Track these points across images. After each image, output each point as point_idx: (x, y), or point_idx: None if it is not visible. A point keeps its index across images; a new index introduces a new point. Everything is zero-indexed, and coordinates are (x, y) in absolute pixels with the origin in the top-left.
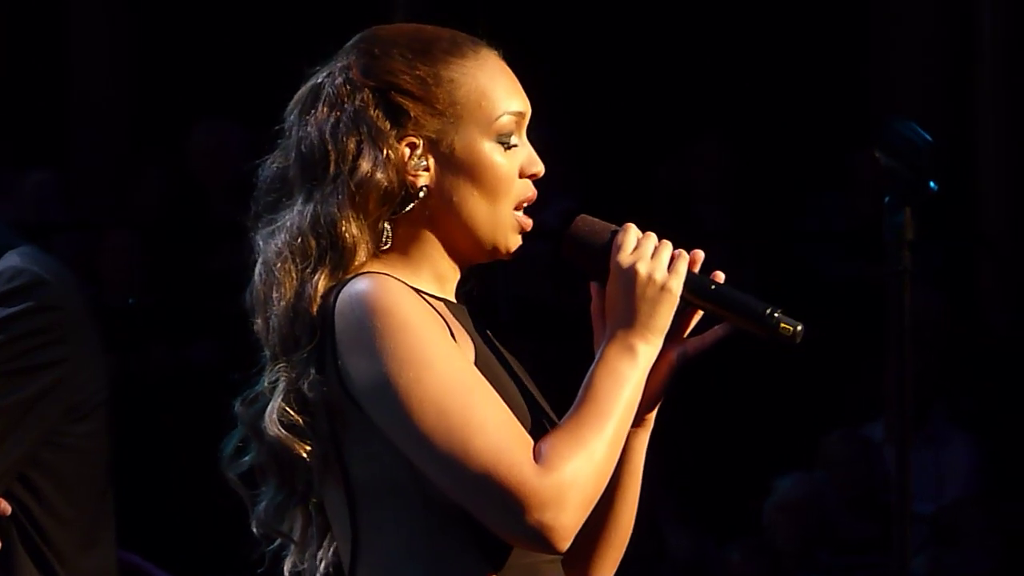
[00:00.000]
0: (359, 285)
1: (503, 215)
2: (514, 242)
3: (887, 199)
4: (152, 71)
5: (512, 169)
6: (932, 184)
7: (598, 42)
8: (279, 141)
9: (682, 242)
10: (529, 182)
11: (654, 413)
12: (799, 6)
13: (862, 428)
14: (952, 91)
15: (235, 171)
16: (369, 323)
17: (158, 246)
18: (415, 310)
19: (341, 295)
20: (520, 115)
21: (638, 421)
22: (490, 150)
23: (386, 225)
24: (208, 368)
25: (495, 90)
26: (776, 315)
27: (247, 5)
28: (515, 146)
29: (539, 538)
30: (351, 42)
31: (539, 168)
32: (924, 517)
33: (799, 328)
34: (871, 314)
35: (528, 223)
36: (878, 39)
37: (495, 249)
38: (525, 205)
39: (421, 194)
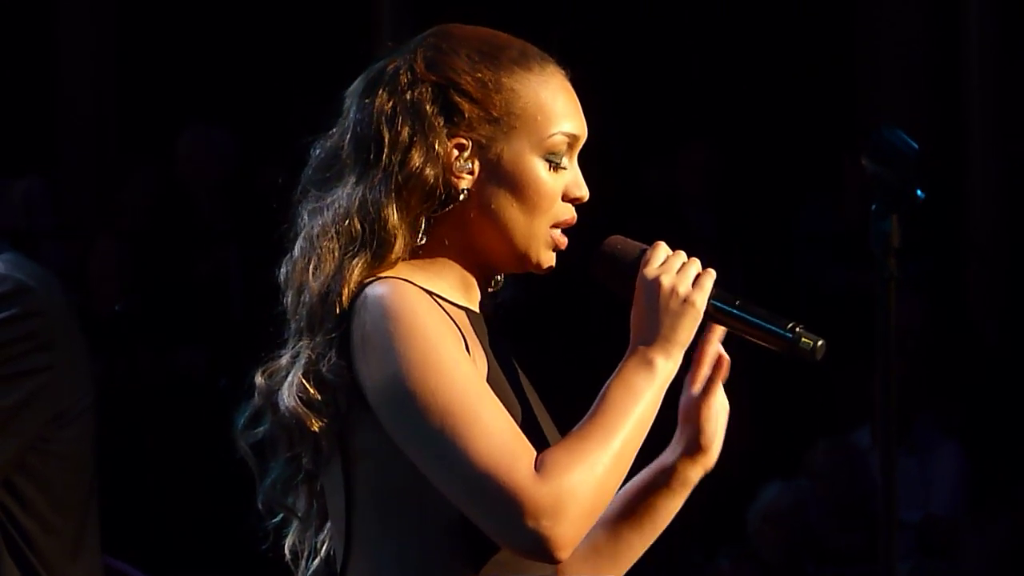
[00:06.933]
0: (378, 289)
1: (539, 230)
2: (547, 258)
3: (874, 206)
4: (138, 77)
5: (555, 189)
6: (919, 192)
7: (587, 46)
8: (337, 119)
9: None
10: (570, 206)
11: (708, 444)
12: (786, 12)
13: (849, 436)
14: (940, 98)
15: (222, 176)
16: (383, 326)
17: (145, 252)
18: (430, 316)
19: (360, 296)
20: (574, 138)
21: (691, 450)
22: (537, 166)
23: (422, 219)
24: (195, 374)
25: (553, 108)
26: (798, 330)
27: (232, 11)
28: (563, 168)
29: (535, 546)
30: (423, 34)
31: (583, 193)
32: (910, 525)
33: (820, 344)
34: (858, 321)
35: (563, 241)
36: (865, 46)
37: (527, 260)
38: (562, 228)
39: (461, 197)
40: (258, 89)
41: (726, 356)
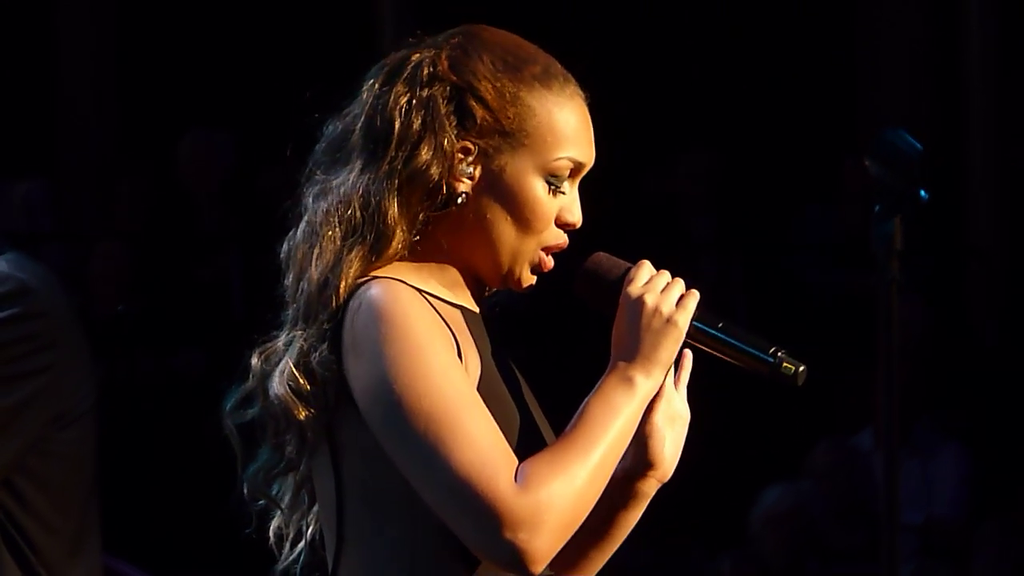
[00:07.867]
0: (372, 290)
1: (526, 248)
2: (527, 278)
3: (876, 208)
4: (139, 81)
5: (550, 211)
6: (923, 193)
7: (585, 51)
8: (350, 101)
9: (669, 253)
10: (562, 231)
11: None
12: (786, 17)
13: (851, 439)
14: (940, 100)
15: (223, 180)
16: (374, 328)
17: (146, 255)
18: (421, 321)
19: (356, 294)
20: (579, 164)
21: (640, 466)
22: (536, 186)
23: (420, 217)
24: (195, 377)
25: (564, 131)
26: (780, 354)
27: (233, 15)
28: (562, 192)
29: (510, 558)
30: (452, 31)
31: (575, 219)
32: (913, 527)
33: (802, 369)
34: (860, 324)
35: (549, 264)
36: (865, 50)
37: (509, 276)
38: (552, 252)
39: (459, 200)
40: (258, 91)
41: (668, 383)
